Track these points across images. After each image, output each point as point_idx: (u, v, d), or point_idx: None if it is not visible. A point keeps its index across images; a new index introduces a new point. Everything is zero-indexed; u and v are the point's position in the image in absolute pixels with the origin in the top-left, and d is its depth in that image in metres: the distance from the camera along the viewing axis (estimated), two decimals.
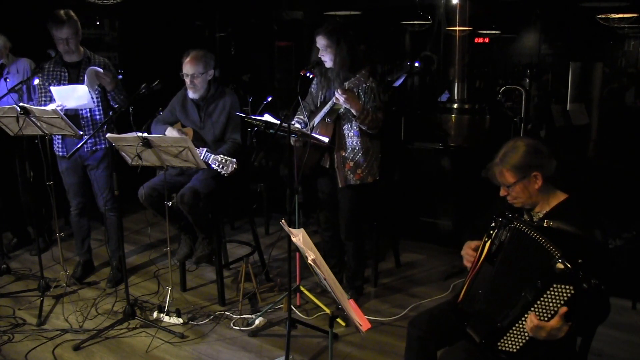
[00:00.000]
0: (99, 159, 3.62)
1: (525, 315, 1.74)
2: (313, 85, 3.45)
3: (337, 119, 3.23)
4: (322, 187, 3.49)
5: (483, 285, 1.96)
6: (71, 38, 3.40)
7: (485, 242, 1.98)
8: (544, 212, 2.06)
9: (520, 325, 1.76)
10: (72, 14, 3.42)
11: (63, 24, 3.34)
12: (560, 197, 2.06)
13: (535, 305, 1.71)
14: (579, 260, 1.66)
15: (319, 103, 3.37)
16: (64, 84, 3.50)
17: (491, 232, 1.97)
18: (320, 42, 3.18)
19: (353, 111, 3.10)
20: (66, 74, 3.52)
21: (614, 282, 1.78)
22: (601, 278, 1.66)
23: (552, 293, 1.68)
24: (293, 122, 3.37)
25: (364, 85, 3.11)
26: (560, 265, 1.66)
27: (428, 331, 2.11)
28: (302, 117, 3.38)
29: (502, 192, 2.08)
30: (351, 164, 3.25)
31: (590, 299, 1.65)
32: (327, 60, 3.21)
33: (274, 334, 3.18)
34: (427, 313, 2.25)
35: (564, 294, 1.67)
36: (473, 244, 2.12)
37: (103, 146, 3.61)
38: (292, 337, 2.88)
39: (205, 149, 3.14)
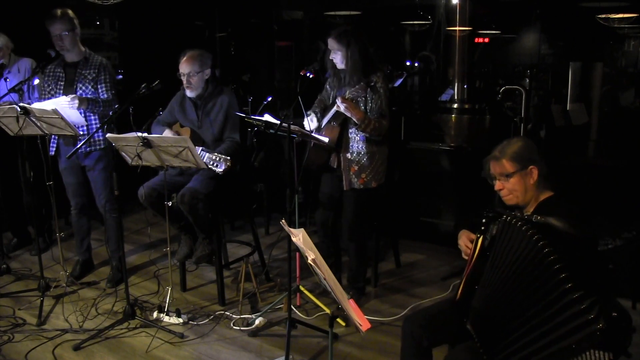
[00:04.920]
0: (95, 161, 3.61)
1: None
2: (328, 83, 3.47)
3: (343, 122, 3.24)
4: (324, 189, 3.49)
5: (479, 282, 1.97)
6: (65, 35, 3.41)
7: (477, 239, 2.00)
8: (532, 210, 2.10)
9: None
10: (69, 12, 3.44)
11: (55, 19, 3.38)
12: (547, 194, 2.11)
13: None
14: (614, 314, 1.61)
15: (331, 101, 3.39)
16: (60, 85, 3.52)
17: (482, 227, 1.99)
18: (331, 44, 3.21)
19: (354, 119, 3.11)
20: (63, 75, 3.53)
21: (613, 282, 1.77)
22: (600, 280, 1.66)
23: (589, 357, 1.65)
24: (309, 113, 3.38)
25: (363, 97, 3.13)
26: (599, 327, 1.60)
27: (423, 328, 2.12)
28: (317, 110, 3.39)
29: (498, 186, 2.12)
30: (356, 167, 3.26)
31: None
32: (338, 62, 3.23)
33: (274, 334, 3.18)
34: (423, 311, 2.27)
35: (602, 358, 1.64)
36: (470, 235, 2.12)
37: (98, 147, 3.60)
38: (292, 337, 2.88)
39: (201, 148, 3.14)
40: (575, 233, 1.84)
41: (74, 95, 3.35)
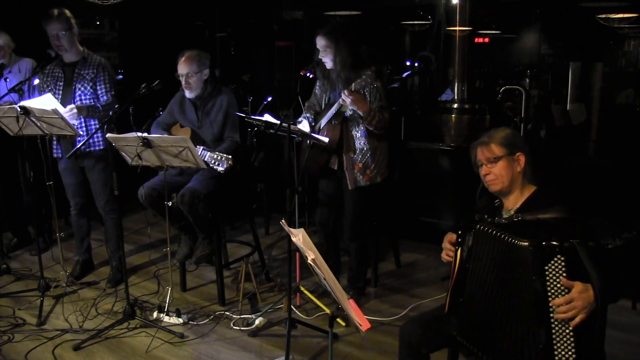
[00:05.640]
0: (94, 161, 3.61)
1: (551, 316, 1.70)
2: (317, 87, 3.45)
3: (343, 120, 3.23)
4: (324, 188, 3.49)
5: (464, 294, 1.96)
6: (62, 35, 3.40)
7: (456, 250, 2.00)
8: (516, 207, 2.07)
9: (559, 332, 1.71)
10: (66, 11, 3.43)
11: (52, 18, 3.37)
12: (531, 189, 2.09)
13: (550, 299, 1.70)
14: (547, 235, 1.69)
15: (323, 105, 3.38)
16: (59, 85, 3.51)
17: (459, 239, 1.99)
18: (320, 42, 3.18)
19: (360, 112, 3.10)
20: (61, 75, 3.53)
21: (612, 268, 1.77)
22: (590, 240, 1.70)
23: (551, 275, 1.69)
24: (300, 120, 3.37)
25: (371, 86, 3.11)
26: (534, 249, 1.69)
27: (420, 336, 2.12)
28: (308, 114, 3.38)
29: (484, 171, 2.10)
30: (360, 165, 3.25)
31: (585, 252, 1.67)
32: (327, 61, 3.20)
33: (274, 334, 3.18)
34: (418, 318, 2.26)
35: (561, 266, 1.68)
36: (452, 237, 2.11)
37: (96, 148, 3.59)
38: (292, 337, 2.88)
39: (202, 147, 3.14)
40: (569, 217, 1.86)
41: (72, 106, 3.33)
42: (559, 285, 1.70)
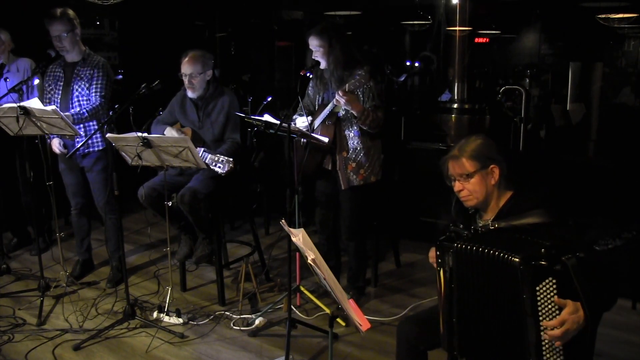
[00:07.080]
0: (92, 162, 3.59)
1: (541, 334, 1.67)
2: (310, 88, 3.45)
3: (337, 120, 3.23)
4: (322, 188, 3.48)
5: (455, 314, 1.92)
6: (64, 36, 3.38)
7: (439, 272, 1.94)
8: (493, 216, 2.02)
9: (549, 350, 1.68)
10: (69, 12, 3.40)
11: (54, 19, 3.34)
12: (507, 195, 2.03)
13: (540, 317, 1.67)
14: (542, 250, 1.64)
15: (317, 105, 3.38)
16: (59, 85, 3.50)
17: (439, 260, 1.93)
18: (312, 42, 3.18)
19: (354, 112, 3.10)
20: (62, 75, 3.52)
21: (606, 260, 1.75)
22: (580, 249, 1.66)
23: (542, 296, 1.65)
24: (295, 117, 3.37)
25: (364, 86, 3.11)
26: (525, 268, 1.63)
27: (418, 333, 2.11)
28: (302, 114, 3.38)
29: (457, 187, 2.04)
30: (353, 164, 3.25)
31: (577, 270, 1.62)
32: (321, 60, 3.20)
33: (274, 334, 3.18)
34: (416, 316, 2.26)
35: (552, 288, 1.64)
36: (432, 254, 2.07)
37: (95, 149, 3.58)
38: (292, 337, 2.88)
39: (203, 149, 3.14)
40: (547, 221, 1.81)
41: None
42: (550, 305, 1.65)
